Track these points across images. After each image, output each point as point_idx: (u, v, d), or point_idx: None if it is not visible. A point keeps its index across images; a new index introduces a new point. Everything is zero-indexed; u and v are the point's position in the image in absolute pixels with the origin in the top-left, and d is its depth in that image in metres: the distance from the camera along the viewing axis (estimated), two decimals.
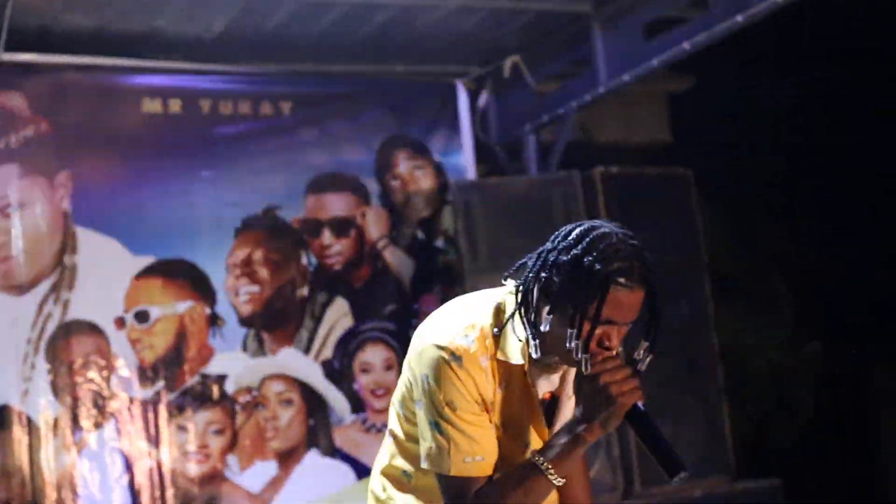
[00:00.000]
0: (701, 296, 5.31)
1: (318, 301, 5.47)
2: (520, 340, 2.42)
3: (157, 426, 5.07)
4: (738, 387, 5.98)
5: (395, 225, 5.68)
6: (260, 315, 5.36)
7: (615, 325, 2.35)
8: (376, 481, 2.70)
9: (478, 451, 2.43)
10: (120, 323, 5.11)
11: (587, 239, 2.35)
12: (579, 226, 2.39)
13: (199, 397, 5.18)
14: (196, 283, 5.29)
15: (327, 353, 5.44)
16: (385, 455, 2.68)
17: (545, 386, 2.55)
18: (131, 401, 5.07)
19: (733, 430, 5.52)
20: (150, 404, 5.09)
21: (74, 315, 5.05)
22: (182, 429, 5.12)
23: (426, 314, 5.38)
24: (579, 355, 2.32)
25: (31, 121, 5.12)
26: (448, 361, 2.41)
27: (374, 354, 5.50)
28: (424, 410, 2.45)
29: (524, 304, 2.41)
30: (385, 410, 5.52)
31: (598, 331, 2.34)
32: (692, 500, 5.02)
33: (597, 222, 2.39)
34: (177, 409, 5.13)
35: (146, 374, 5.12)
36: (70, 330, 5.03)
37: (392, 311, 5.58)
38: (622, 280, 2.31)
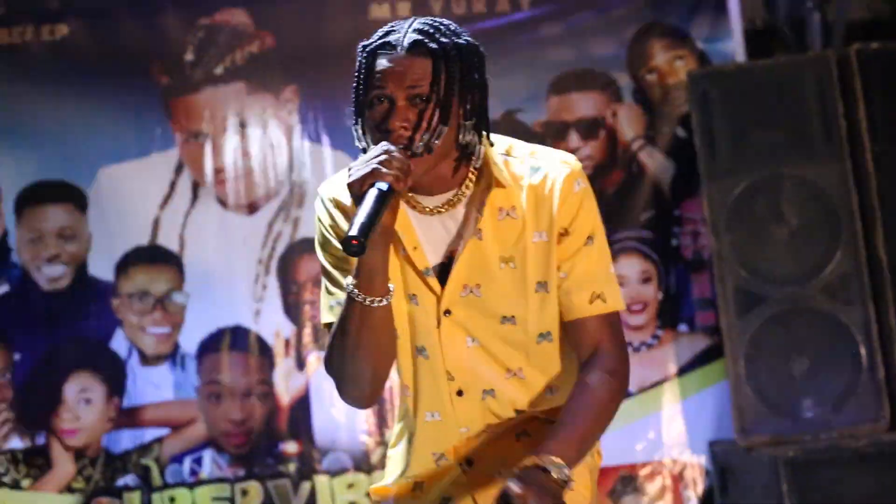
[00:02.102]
0: None
1: None
2: None
3: None
4: None
5: (652, 123, 5.53)
6: None
7: (383, 97, 2.25)
8: None
9: (342, 294, 2.33)
10: None
11: None
12: None
13: None
14: None
15: None
16: None
17: (440, 235, 2.38)
18: None
19: None
20: None
21: (305, 233, 5.36)
22: None
23: (689, 220, 5.55)
24: (360, 143, 2.30)
25: (255, 36, 5.42)
26: (317, 201, 2.44)
27: (628, 266, 5.43)
28: None
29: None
30: (643, 327, 5.55)
31: (376, 113, 2.26)
32: None
33: None
34: None
35: None
36: (301, 248, 5.37)
37: (649, 218, 5.49)
38: (378, 42, 2.27)
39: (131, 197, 5.47)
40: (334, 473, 5.33)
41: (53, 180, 5.53)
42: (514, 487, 2.15)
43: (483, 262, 2.34)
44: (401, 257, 2.36)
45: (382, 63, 2.24)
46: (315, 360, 5.38)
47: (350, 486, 5.31)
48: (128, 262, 5.48)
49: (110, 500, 5.29)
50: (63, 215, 5.50)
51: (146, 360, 5.44)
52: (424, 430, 2.46)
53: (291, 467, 5.34)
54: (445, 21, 2.33)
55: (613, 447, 5.28)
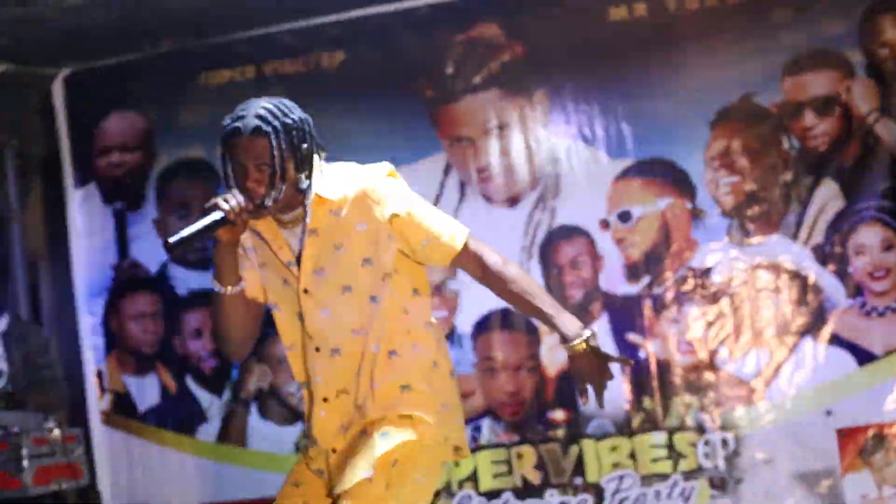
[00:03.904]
0: None
1: (804, 184, 5.90)
2: None
3: (644, 321, 5.99)
4: None
5: (886, 96, 5.84)
6: (742, 204, 5.95)
7: (239, 165, 3.12)
8: None
9: None
10: (604, 224, 6.06)
11: None
12: None
13: (686, 290, 5.96)
14: (675, 179, 6.03)
15: (818, 237, 5.88)
16: None
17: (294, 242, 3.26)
18: (620, 297, 6.04)
19: None
20: (638, 299, 6.01)
21: (561, 221, 6.11)
22: (670, 321, 5.95)
23: None
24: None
25: (507, 47, 6.20)
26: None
27: (869, 235, 5.83)
28: None
29: None
30: (887, 293, 5.86)
31: (237, 175, 3.13)
32: None
33: None
34: (664, 302, 5.97)
35: (633, 270, 6.03)
36: (559, 235, 6.11)
37: (888, 188, 5.83)
38: (231, 126, 3.12)
39: None
40: (599, 437, 6.01)
41: None
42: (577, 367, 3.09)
43: (322, 251, 3.21)
44: (273, 256, 3.27)
45: (236, 143, 3.12)
46: None
47: (613, 448, 5.98)
48: None
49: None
50: None
51: None
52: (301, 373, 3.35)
53: (560, 433, 6.05)
54: (279, 104, 3.16)
55: (863, 408, 5.76)
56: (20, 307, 6.99)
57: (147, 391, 6.72)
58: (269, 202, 3.12)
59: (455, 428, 3.30)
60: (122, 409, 6.73)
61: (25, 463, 5.34)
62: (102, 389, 6.77)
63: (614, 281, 6.09)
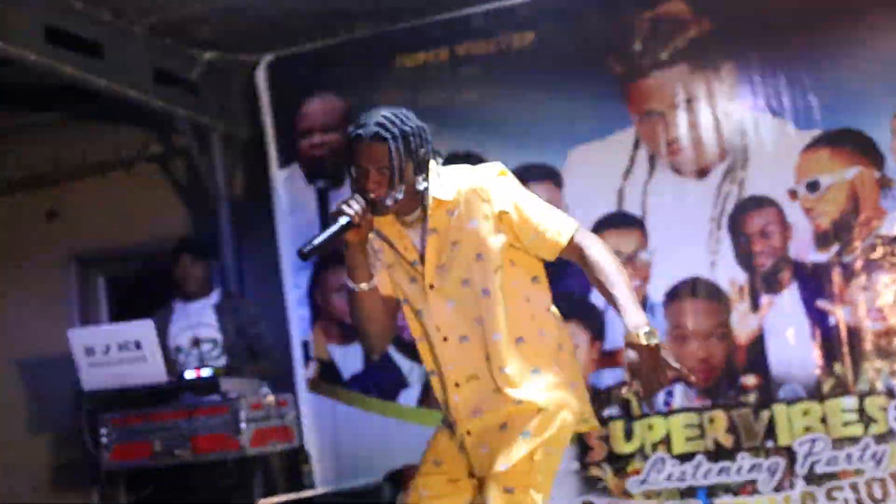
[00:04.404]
0: None
1: None
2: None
3: (834, 288, 6.09)
4: None
5: None
6: None
7: (361, 168, 3.37)
8: None
9: None
10: (792, 194, 6.18)
11: None
12: None
13: (875, 258, 6.04)
14: (863, 148, 6.09)
15: None
16: None
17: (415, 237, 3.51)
18: (809, 265, 6.15)
19: None
20: (828, 267, 6.11)
21: (750, 191, 6.26)
22: (860, 288, 6.04)
23: None
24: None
25: (694, 22, 6.36)
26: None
27: None
28: None
29: None
30: None
31: (360, 178, 3.38)
32: None
33: None
34: (853, 270, 6.06)
35: (821, 239, 6.14)
36: (749, 205, 6.26)
37: None
38: (354, 133, 3.38)
39: (598, 172, 6.51)
40: (790, 402, 6.15)
41: (535, 163, 6.62)
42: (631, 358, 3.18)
43: (442, 249, 3.47)
44: (399, 257, 3.53)
45: (358, 148, 3.38)
46: (767, 303, 6.21)
47: (805, 412, 6.10)
48: (600, 227, 6.51)
49: (599, 428, 6.28)
50: (544, 192, 6.54)
51: None
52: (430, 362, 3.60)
53: (751, 398, 6.20)
54: (398, 113, 3.41)
55: None
56: (230, 282, 7.40)
57: (350, 359, 7.06)
58: (388, 202, 3.39)
59: (584, 402, 3.53)
60: (328, 377, 7.09)
61: (243, 426, 5.66)
62: (308, 358, 7.12)
63: (803, 249, 6.22)
